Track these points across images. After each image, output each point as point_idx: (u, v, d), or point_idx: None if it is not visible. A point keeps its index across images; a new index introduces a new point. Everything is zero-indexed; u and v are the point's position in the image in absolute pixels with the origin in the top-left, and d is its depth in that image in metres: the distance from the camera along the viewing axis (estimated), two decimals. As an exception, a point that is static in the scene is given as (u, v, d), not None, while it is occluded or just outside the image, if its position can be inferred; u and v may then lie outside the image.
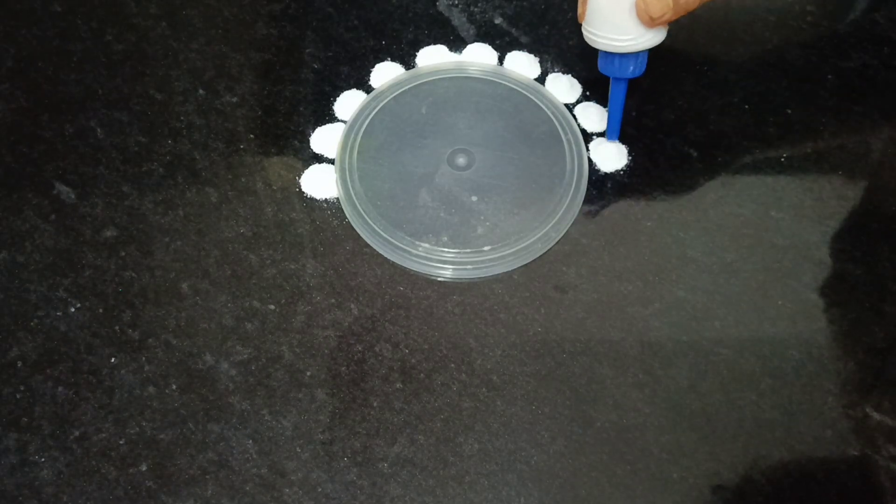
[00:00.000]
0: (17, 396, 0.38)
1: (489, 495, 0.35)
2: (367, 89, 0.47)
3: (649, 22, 0.37)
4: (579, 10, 0.41)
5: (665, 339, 0.39)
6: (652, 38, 0.39)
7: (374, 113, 0.46)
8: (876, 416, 0.37)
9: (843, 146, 0.45)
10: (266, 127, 0.46)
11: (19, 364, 0.39)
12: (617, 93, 0.42)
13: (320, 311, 0.40)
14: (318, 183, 0.44)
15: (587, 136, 0.45)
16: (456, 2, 0.51)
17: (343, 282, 0.41)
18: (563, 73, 0.48)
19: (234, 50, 0.49)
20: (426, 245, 0.41)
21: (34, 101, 0.47)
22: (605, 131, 0.45)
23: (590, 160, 0.44)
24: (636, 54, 0.40)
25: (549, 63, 0.48)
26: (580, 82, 0.47)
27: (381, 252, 0.42)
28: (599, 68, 0.42)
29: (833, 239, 0.42)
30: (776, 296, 0.40)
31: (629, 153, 0.45)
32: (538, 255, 0.42)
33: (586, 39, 0.41)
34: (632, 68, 0.40)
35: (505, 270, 0.41)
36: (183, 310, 0.40)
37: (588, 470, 0.36)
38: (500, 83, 0.47)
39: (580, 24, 0.41)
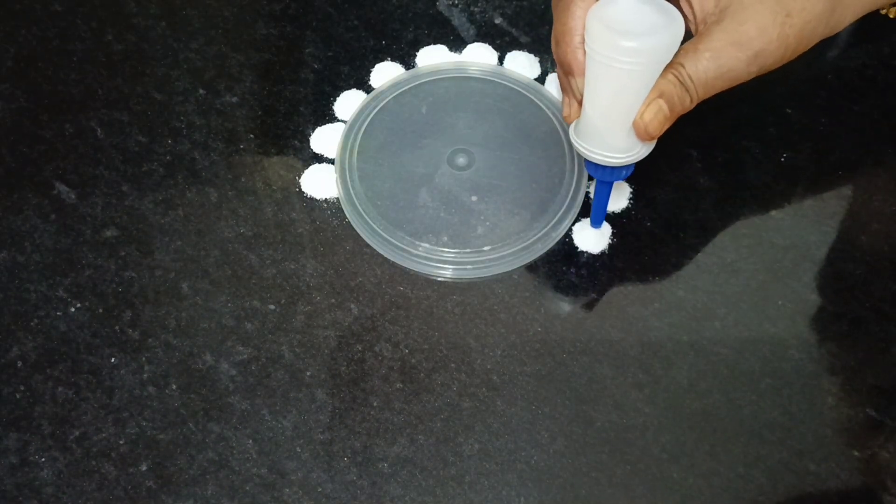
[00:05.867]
0: (17, 396, 0.38)
1: (489, 495, 0.35)
2: (367, 89, 0.47)
3: (648, 139, 0.36)
4: (564, 112, 0.38)
5: (665, 339, 0.39)
6: (647, 149, 0.37)
7: (374, 113, 0.46)
8: (876, 416, 0.37)
9: (843, 146, 0.45)
10: (266, 127, 0.46)
11: (19, 364, 0.39)
12: (603, 190, 0.40)
13: (320, 311, 0.40)
14: (318, 183, 0.44)
15: (587, 136, 0.45)
16: (456, 2, 0.51)
17: (343, 282, 0.41)
18: (563, 73, 0.48)
19: (234, 50, 0.49)
20: (426, 245, 0.41)
21: (34, 101, 0.47)
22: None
23: (590, 160, 0.44)
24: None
25: (550, 63, 0.48)
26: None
27: (381, 252, 0.42)
28: (588, 170, 0.39)
29: (833, 239, 0.42)
30: (776, 296, 0.40)
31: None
32: (538, 255, 0.42)
33: (576, 149, 0.37)
34: (623, 173, 0.38)
35: (505, 270, 0.41)
36: (183, 310, 0.40)
37: (588, 470, 0.36)
38: (500, 83, 0.47)
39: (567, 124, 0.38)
